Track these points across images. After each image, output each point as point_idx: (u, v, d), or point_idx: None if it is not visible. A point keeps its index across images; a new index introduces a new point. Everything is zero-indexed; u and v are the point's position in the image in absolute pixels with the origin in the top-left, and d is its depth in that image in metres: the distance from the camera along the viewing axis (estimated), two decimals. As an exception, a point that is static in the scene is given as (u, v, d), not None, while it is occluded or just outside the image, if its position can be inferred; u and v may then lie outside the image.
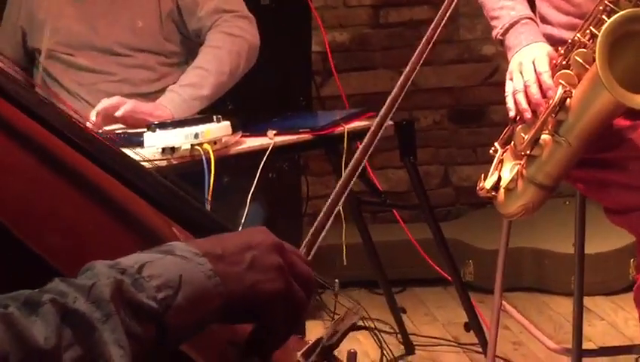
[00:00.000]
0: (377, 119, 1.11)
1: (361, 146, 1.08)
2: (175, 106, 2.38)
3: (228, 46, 2.47)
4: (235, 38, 2.48)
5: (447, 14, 1.17)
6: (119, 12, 2.53)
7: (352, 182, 1.06)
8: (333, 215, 1.02)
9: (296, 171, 3.33)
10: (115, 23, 2.53)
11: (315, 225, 1.00)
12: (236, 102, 2.87)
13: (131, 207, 0.94)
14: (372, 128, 1.10)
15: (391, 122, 2.49)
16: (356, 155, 1.07)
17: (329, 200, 1.02)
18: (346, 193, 1.04)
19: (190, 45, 2.57)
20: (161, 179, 1.00)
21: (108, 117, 2.31)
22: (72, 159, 0.92)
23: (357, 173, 1.06)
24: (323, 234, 1.00)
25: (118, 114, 2.29)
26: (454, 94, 3.98)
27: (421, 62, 1.13)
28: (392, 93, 1.10)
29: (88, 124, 2.27)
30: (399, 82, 1.11)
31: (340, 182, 1.05)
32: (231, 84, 2.48)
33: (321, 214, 1.01)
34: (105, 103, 2.32)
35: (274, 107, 2.94)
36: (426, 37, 1.16)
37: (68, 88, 2.55)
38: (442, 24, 1.17)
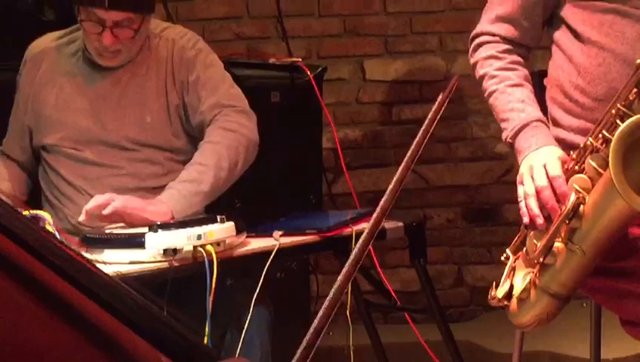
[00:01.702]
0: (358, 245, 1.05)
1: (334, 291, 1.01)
2: (175, 203, 2.35)
3: (226, 141, 2.44)
4: (233, 134, 2.46)
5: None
6: (128, 107, 2.53)
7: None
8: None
9: (305, 270, 3.26)
10: (123, 118, 2.52)
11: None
12: (245, 200, 2.84)
13: (114, 334, 0.88)
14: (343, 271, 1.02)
15: (400, 223, 2.45)
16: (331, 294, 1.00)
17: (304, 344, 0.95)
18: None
19: (197, 142, 2.55)
20: (148, 305, 0.93)
21: (99, 216, 2.27)
22: (48, 281, 0.86)
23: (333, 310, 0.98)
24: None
25: (105, 212, 2.26)
26: (468, 192, 3.93)
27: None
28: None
29: (82, 220, 2.26)
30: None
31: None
32: (231, 179, 2.46)
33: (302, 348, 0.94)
34: (93, 203, 2.29)
35: (284, 205, 2.90)
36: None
37: (72, 182, 2.52)
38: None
